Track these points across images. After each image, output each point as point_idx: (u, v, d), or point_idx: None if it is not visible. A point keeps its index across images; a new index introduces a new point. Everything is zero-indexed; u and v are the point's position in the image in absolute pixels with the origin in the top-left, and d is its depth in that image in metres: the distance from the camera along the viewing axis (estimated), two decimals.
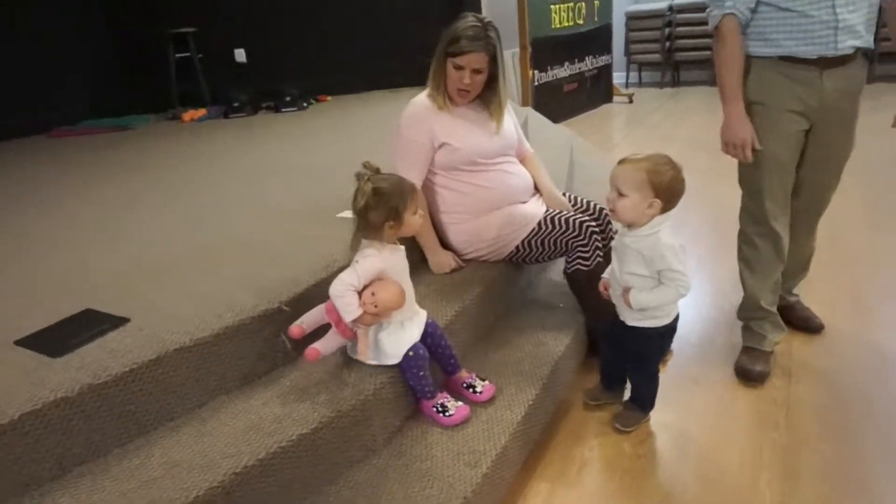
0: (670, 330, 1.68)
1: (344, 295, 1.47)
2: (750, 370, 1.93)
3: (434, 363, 1.66)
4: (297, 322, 1.56)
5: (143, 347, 1.43)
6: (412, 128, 1.95)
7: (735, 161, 1.90)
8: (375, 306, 1.49)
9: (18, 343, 1.52)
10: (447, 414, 1.59)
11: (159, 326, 1.51)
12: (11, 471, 1.24)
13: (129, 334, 1.50)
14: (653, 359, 1.74)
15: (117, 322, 1.56)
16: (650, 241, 1.53)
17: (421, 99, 1.98)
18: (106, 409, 1.35)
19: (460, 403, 1.62)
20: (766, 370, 1.94)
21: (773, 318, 2.01)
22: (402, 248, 1.60)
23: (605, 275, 1.73)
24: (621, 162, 1.54)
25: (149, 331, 1.50)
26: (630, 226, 1.56)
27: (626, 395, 1.84)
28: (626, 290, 1.59)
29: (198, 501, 1.22)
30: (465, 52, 1.86)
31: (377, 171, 1.54)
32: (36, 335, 1.55)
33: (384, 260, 1.53)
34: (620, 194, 1.51)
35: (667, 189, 1.50)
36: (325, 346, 1.54)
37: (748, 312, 2.04)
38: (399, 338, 1.56)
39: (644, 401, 1.78)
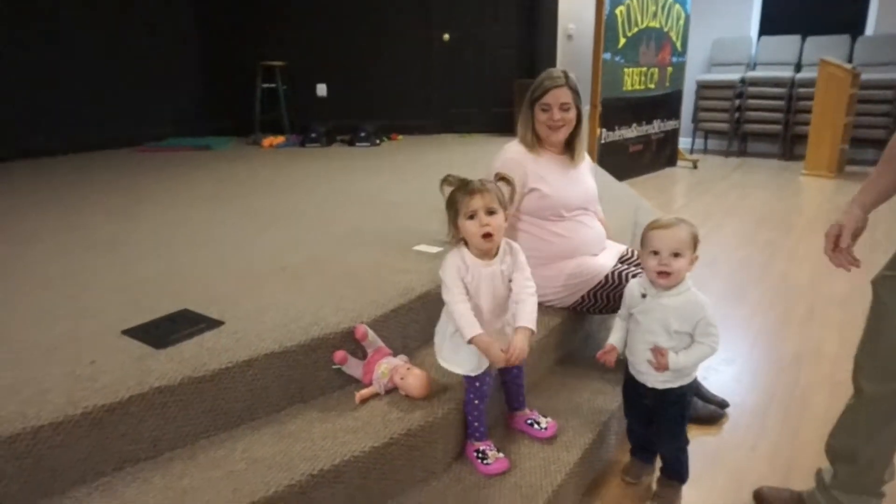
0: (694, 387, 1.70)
1: (454, 310, 1.52)
2: None
3: (502, 395, 1.72)
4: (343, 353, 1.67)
5: (237, 349, 1.56)
6: (507, 169, 2.06)
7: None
8: (400, 379, 1.62)
9: (125, 332, 1.67)
10: (486, 462, 1.62)
11: (251, 332, 1.64)
12: (115, 446, 1.37)
13: (224, 336, 1.63)
14: (686, 420, 1.71)
15: (213, 324, 1.70)
16: (687, 297, 1.56)
17: (514, 146, 2.11)
18: (199, 400, 1.47)
19: (501, 455, 1.64)
20: None
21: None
22: (494, 265, 1.56)
23: (611, 341, 1.70)
24: (661, 227, 1.54)
25: (242, 335, 1.63)
26: (665, 287, 1.56)
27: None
28: (660, 353, 1.56)
29: (276, 496, 1.31)
30: (548, 89, 2.00)
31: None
32: (140, 328, 1.70)
33: (468, 269, 1.54)
34: (677, 255, 1.52)
35: (697, 245, 1.56)
36: (351, 364, 1.67)
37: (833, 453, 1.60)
38: (473, 350, 1.55)
39: (682, 471, 1.73)
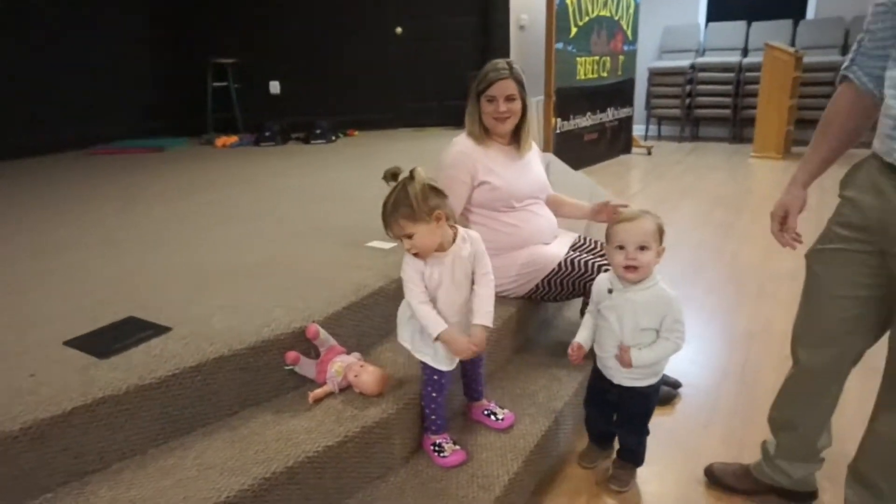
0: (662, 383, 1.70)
1: (417, 310, 1.53)
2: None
3: (459, 387, 1.73)
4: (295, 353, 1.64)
5: (185, 355, 1.52)
6: (456, 166, 2.06)
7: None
8: (354, 377, 1.62)
9: (67, 343, 1.62)
10: (442, 455, 1.62)
11: (200, 336, 1.61)
12: (58, 460, 1.33)
13: (172, 342, 1.59)
14: (649, 416, 1.71)
15: (160, 330, 1.67)
16: (655, 291, 1.54)
17: (462, 139, 2.11)
18: (147, 409, 1.44)
19: (458, 448, 1.64)
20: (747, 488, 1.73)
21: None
22: (447, 256, 1.53)
23: (578, 339, 1.68)
24: (626, 220, 1.53)
25: (190, 340, 1.59)
26: (633, 281, 1.54)
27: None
28: (626, 350, 1.56)
29: (228, 501, 1.30)
30: (493, 81, 2.00)
31: (394, 177, 1.51)
32: (83, 338, 1.65)
33: (425, 264, 1.52)
34: (643, 248, 1.50)
35: (663, 236, 1.55)
36: (304, 364, 1.65)
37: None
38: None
39: (638, 457, 1.77)
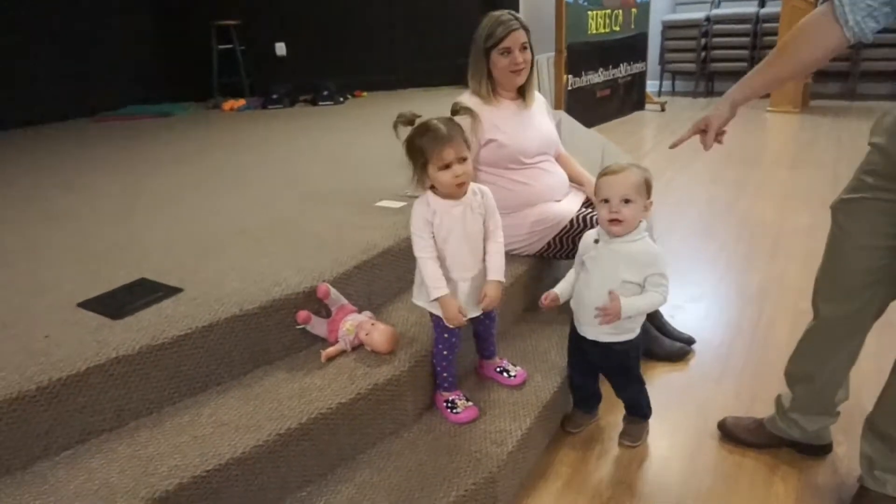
0: (642, 339, 1.68)
1: (423, 266, 1.50)
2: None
3: (471, 345, 1.73)
4: (306, 312, 1.64)
5: (197, 315, 1.53)
6: (463, 124, 2.02)
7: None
8: (365, 335, 1.63)
9: (81, 305, 1.63)
10: (455, 411, 1.63)
11: (211, 297, 1.61)
12: (76, 419, 1.35)
13: (183, 303, 1.60)
14: (637, 367, 1.71)
15: (171, 291, 1.67)
16: (641, 245, 1.52)
17: (467, 98, 2.06)
18: (161, 368, 1.45)
19: (470, 404, 1.65)
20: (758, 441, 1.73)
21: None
22: (462, 204, 1.50)
23: (556, 289, 1.67)
24: (610, 173, 1.51)
25: (201, 300, 1.60)
26: (615, 234, 1.52)
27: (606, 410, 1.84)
28: (615, 297, 1.51)
29: (244, 457, 1.32)
30: (506, 34, 1.95)
31: (409, 122, 1.48)
32: (96, 299, 1.67)
33: (435, 213, 1.49)
34: (627, 201, 1.48)
35: (651, 190, 1.53)
36: (315, 324, 1.66)
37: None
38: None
39: (643, 409, 1.76)
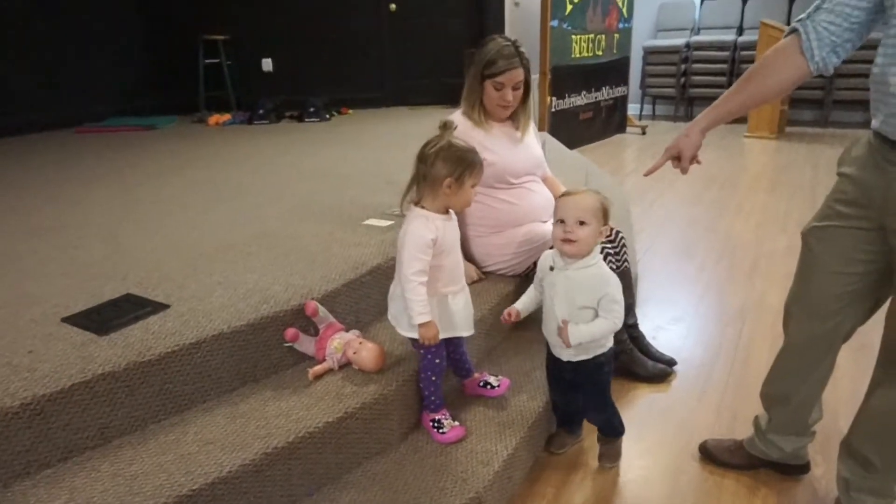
0: (615, 352, 1.69)
1: (413, 290, 1.48)
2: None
3: (449, 368, 1.74)
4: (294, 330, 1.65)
5: (184, 331, 1.52)
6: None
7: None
8: (353, 353, 1.63)
9: (66, 320, 1.62)
10: (441, 431, 1.63)
11: (198, 313, 1.61)
12: (59, 436, 1.33)
13: (170, 319, 1.59)
14: (608, 386, 1.71)
15: (158, 307, 1.66)
16: (594, 270, 1.53)
17: (457, 117, 2.09)
18: (147, 385, 1.44)
19: (457, 424, 1.65)
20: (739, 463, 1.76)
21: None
22: (454, 219, 1.57)
23: (517, 305, 1.68)
24: (568, 195, 1.55)
25: (188, 317, 1.59)
26: (571, 258, 1.53)
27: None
28: (565, 324, 1.53)
29: (230, 476, 1.31)
30: (504, 70, 1.98)
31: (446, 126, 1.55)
32: (81, 314, 1.65)
33: (436, 229, 1.50)
34: (582, 223, 1.49)
35: (608, 216, 1.56)
36: (303, 342, 1.66)
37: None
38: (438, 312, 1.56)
39: (616, 428, 1.76)
